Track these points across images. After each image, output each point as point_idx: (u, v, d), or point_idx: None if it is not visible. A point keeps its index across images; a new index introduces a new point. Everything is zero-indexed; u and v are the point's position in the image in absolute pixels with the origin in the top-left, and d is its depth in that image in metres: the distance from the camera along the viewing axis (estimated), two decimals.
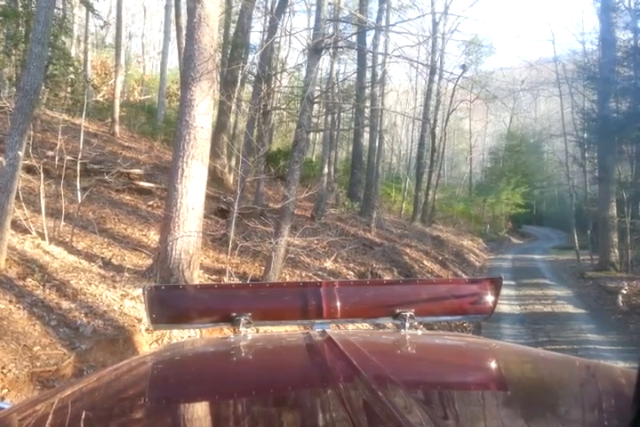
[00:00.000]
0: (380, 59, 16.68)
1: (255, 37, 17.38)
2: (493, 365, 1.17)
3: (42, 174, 5.95)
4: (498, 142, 34.37)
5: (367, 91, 15.48)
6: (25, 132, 4.90)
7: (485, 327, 7.67)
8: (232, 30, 14.08)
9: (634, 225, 13.53)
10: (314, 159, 21.07)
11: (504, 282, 1.56)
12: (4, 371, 3.38)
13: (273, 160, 13.52)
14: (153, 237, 7.18)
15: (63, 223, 6.25)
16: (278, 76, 14.58)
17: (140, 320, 4.58)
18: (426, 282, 1.90)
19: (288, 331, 1.74)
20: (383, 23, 14.34)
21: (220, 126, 12.27)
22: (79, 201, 6.43)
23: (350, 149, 21.10)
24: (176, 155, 5.58)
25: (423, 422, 0.69)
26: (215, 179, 11.00)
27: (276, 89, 13.24)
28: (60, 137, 6.60)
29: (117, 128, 13.46)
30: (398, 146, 30.05)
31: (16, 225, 5.63)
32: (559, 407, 0.87)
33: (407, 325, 1.33)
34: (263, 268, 6.92)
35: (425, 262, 12.30)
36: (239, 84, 12.61)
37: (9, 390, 3.27)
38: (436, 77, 19.47)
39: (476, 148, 33.33)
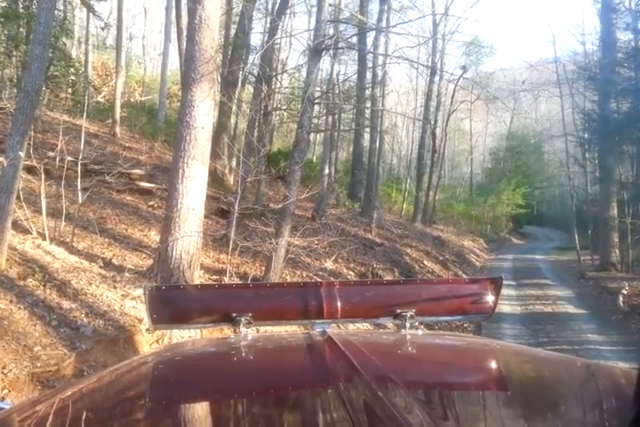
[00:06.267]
0: (380, 60, 16.67)
1: (256, 38, 17.39)
2: (494, 365, 1.17)
3: (42, 175, 5.96)
4: (498, 143, 34.32)
5: (368, 92, 15.47)
6: (26, 133, 4.91)
7: (486, 327, 7.65)
8: (233, 31, 14.08)
9: (634, 225, 13.52)
10: (314, 160, 21.04)
11: (505, 282, 1.55)
12: (5, 371, 3.38)
13: (273, 161, 13.49)
14: (153, 237, 7.18)
15: (64, 224, 6.25)
16: (279, 77, 14.58)
17: (140, 320, 4.58)
18: (426, 282, 1.90)
19: (288, 331, 1.74)
20: (384, 24, 14.34)
21: (220, 127, 12.26)
22: (80, 201, 6.44)
23: (351, 149, 21.07)
24: (177, 155, 5.59)
25: (423, 422, 0.69)
26: (216, 179, 11.00)
27: (277, 90, 13.24)
28: (61, 138, 6.62)
29: (118, 129, 13.45)
30: (399, 147, 30.01)
31: (17, 225, 5.64)
32: (559, 407, 0.87)
33: (407, 325, 1.32)
34: (264, 268, 6.92)
35: (425, 263, 12.30)
36: (240, 85, 12.59)
37: (9, 391, 3.27)
38: (437, 78, 19.48)
39: (477, 148, 33.32)
